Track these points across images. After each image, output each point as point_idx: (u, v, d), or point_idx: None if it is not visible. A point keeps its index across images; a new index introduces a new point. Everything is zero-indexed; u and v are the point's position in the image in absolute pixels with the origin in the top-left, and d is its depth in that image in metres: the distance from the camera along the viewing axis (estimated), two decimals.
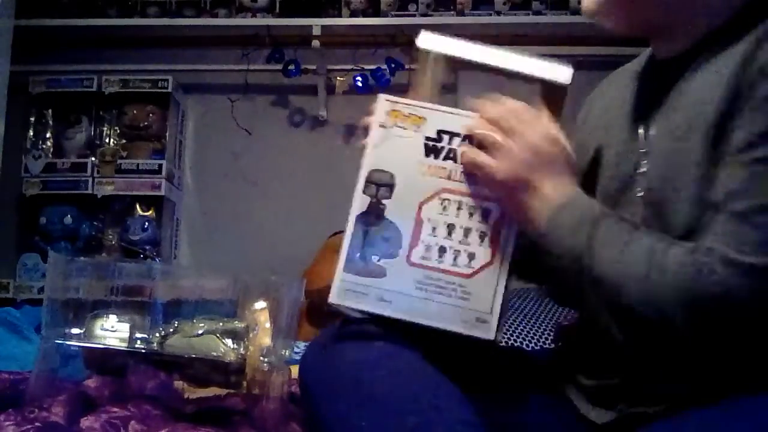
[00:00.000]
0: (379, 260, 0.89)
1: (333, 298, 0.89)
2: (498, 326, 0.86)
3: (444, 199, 0.89)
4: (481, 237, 0.87)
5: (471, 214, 0.88)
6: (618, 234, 0.78)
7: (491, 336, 0.85)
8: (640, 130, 0.89)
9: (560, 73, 0.91)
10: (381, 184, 0.90)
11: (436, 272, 0.88)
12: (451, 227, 0.88)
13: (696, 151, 0.79)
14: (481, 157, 0.86)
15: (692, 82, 0.83)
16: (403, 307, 0.87)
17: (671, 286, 0.72)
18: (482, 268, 0.87)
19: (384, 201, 0.90)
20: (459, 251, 0.87)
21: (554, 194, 0.84)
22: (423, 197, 0.89)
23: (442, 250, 0.88)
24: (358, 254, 0.89)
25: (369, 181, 0.90)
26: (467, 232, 0.88)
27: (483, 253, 0.87)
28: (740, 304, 0.70)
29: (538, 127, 0.86)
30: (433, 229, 0.88)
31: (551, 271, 0.84)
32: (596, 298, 0.78)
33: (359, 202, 0.90)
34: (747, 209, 0.72)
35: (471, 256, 0.87)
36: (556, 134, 0.86)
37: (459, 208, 0.89)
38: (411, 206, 0.89)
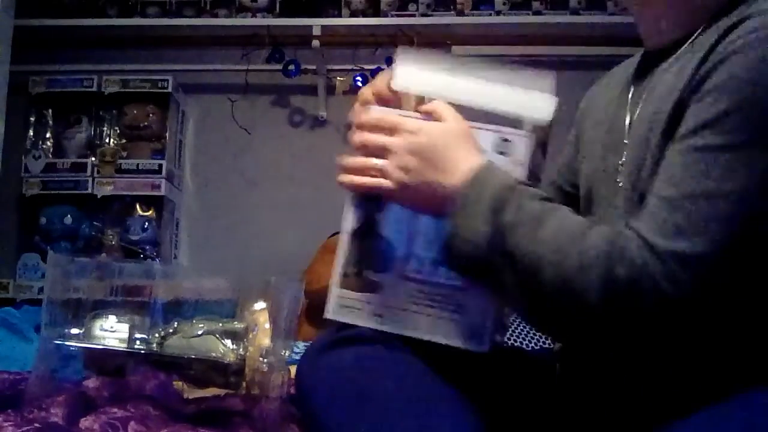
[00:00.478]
0: (373, 275, 0.88)
1: (329, 314, 0.89)
2: (494, 335, 0.86)
3: None
4: None
5: None
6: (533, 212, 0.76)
7: (485, 348, 0.85)
8: (626, 122, 0.90)
9: (538, 112, 0.86)
10: (372, 199, 0.89)
11: (430, 285, 0.87)
12: None
13: (655, 141, 0.80)
14: (371, 161, 0.86)
15: (666, 73, 0.84)
16: (398, 321, 0.87)
17: (585, 268, 0.70)
18: None
19: (376, 216, 0.89)
20: None
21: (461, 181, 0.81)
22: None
23: (435, 263, 0.87)
24: (353, 270, 0.89)
25: (360, 196, 0.90)
26: None
27: None
28: (654, 289, 0.68)
29: (416, 125, 0.85)
30: (426, 242, 0.88)
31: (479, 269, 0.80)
32: (514, 286, 0.76)
33: (351, 217, 0.90)
34: (677, 195, 0.71)
35: None
36: (431, 129, 0.85)
37: None
38: (403, 220, 0.89)
